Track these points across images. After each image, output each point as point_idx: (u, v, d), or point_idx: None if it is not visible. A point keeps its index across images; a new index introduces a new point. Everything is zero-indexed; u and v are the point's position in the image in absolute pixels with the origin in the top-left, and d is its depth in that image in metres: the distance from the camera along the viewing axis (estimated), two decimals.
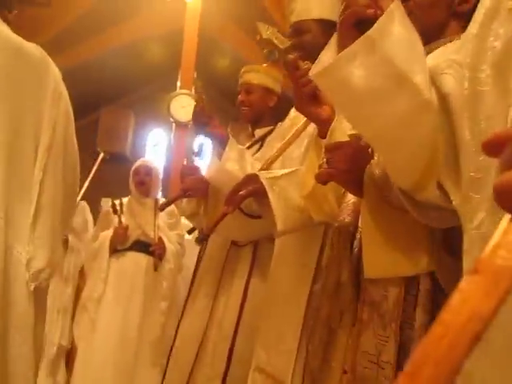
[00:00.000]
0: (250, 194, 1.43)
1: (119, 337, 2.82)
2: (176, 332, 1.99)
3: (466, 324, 0.30)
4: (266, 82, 2.09)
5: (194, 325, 1.88)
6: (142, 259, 2.95)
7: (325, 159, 1.03)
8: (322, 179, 1.04)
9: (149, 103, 7.86)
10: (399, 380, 0.30)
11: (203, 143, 2.34)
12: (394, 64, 0.74)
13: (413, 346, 0.91)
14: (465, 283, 0.31)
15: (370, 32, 0.74)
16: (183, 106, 5.61)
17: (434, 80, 0.77)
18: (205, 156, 2.29)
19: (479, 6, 0.69)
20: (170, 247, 3.01)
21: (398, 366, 0.92)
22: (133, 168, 3.19)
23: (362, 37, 0.75)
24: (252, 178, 1.45)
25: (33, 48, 1.37)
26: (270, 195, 1.36)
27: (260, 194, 1.41)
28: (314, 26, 1.60)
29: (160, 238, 2.96)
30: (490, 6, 0.66)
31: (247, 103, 2.08)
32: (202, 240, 1.82)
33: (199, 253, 2.09)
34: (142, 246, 2.96)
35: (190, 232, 2.06)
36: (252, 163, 1.78)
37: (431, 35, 1.02)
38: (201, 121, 2.05)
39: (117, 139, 7.06)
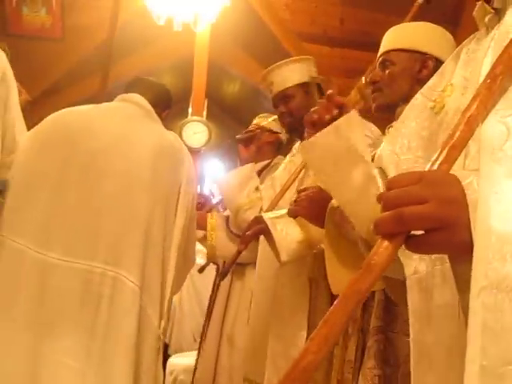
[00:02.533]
0: (256, 233, 1.71)
1: None
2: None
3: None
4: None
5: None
6: None
7: (294, 199, 1.40)
8: (292, 215, 1.47)
9: None
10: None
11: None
12: (352, 142, 0.98)
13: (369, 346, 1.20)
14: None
15: (337, 121, 1.01)
16: (195, 132, 5.71)
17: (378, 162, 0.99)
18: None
19: (409, 106, 0.94)
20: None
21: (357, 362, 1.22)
22: None
23: (333, 123, 1.00)
24: (258, 219, 1.71)
25: (172, 138, 1.65)
26: (273, 232, 1.60)
27: (265, 232, 1.66)
28: (296, 91, 1.87)
29: None
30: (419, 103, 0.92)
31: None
32: (224, 275, 1.99)
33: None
34: None
35: (200, 271, 2.23)
36: (249, 191, 2.11)
37: (399, 103, 1.37)
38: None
39: None
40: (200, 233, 2.22)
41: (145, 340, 1.43)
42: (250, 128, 2.33)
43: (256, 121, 2.48)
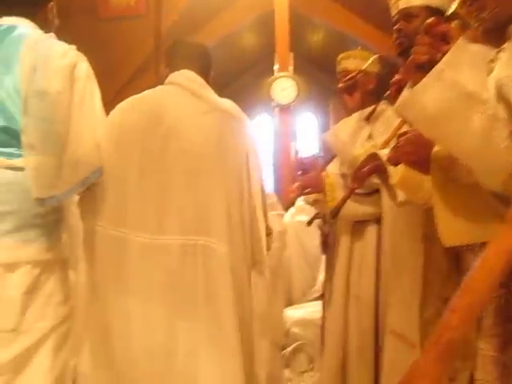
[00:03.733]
0: (372, 171, 1.68)
1: None
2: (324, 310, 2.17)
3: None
4: (362, 66, 2.12)
5: (336, 305, 2.02)
6: None
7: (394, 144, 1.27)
8: (392, 162, 1.31)
9: (250, 91, 7.91)
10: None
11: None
12: (461, 86, 0.88)
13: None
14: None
15: (438, 65, 0.90)
16: (283, 88, 5.64)
17: (502, 92, 0.87)
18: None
19: None
20: (275, 227, 3.08)
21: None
22: None
23: (432, 70, 0.90)
24: (373, 157, 1.67)
25: (231, 106, 1.67)
26: (389, 169, 1.56)
27: (380, 170, 1.64)
28: (421, 12, 1.68)
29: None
30: None
31: (348, 91, 2.13)
32: (335, 214, 1.87)
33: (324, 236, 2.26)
34: None
35: (309, 223, 2.16)
36: (362, 140, 2.01)
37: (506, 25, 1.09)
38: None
39: None
40: (310, 197, 2.17)
41: (240, 296, 1.55)
42: (352, 74, 2.13)
43: (345, 63, 2.18)
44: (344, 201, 1.80)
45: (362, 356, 1.89)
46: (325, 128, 8.13)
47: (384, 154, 1.57)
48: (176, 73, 1.66)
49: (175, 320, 1.48)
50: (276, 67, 5.67)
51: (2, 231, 1.37)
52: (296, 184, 3.67)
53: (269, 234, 1.81)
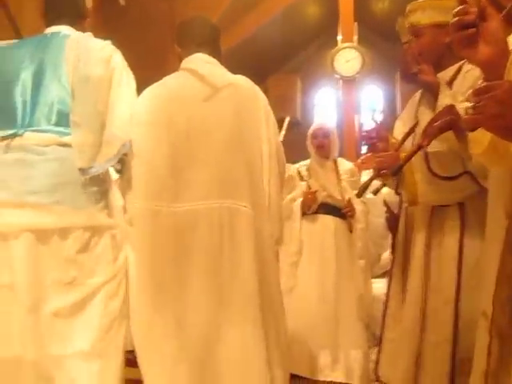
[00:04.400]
0: (446, 125, 1.45)
1: (317, 296, 2.91)
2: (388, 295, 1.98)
3: None
4: (435, 17, 1.79)
5: (413, 290, 1.80)
6: (330, 221, 3.01)
7: (471, 104, 0.96)
8: (469, 126, 1.00)
9: (313, 63, 6.72)
10: None
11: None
12: None
13: None
14: None
15: None
16: (347, 59, 5.50)
17: None
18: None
19: None
20: (358, 207, 3.02)
21: None
22: (310, 131, 3.21)
23: None
24: (449, 109, 1.46)
25: (243, 81, 1.83)
26: (470, 136, 1.30)
27: (456, 126, 1.42)
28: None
29: (349, 200, 2.99)
30: None
31: (418, 50, 1.84)
32: (397, 171, 1.69)
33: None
34: (328, 209, 3.03)
35: (375, 193, 2.01)
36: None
37: None
38: (410, 70, 1.86)
39: (287, 105, 7.19)
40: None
41: (263, 252, 1.71)
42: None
43: (413, 17, 1.85)
44: (408, 158, 1.60)
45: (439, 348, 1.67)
46: (390, 101, 7.86)
47: (463, 106, 1.39)
48: (190, 57, 1.85)
49: (206, 285, 1.65)
50: (340, 38, 5.51)
51: (58, 200, 1.57)
52: (362, 158, 3.57)
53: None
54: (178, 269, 1.67)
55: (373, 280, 3.36)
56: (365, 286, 2.99)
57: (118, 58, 1.72)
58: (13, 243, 1.54)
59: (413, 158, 1.65)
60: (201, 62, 1.83)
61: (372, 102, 8.14)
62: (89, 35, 1.76)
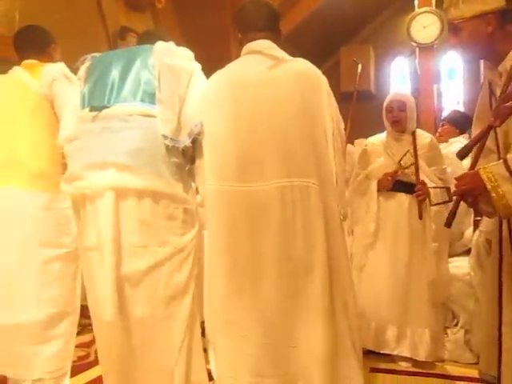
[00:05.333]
0: None
1: (388, 274, 2.88)
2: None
3: None
4: (474, 8, 1.68)
5: None
6: (404, 199, 2.92)
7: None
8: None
9: (386, 32, 6.27)
10: None
11: None
12: None
13: None
14: None
15: None
16: (424, 25, 5.21)
17: None
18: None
19: None
20: (433, 190, 2.86)
21: None
22: (385, 104, 3.05)
23: None
24: None
25: (304, 63, 1.87)
26: None
27: None
28: None
29: (422, 182, 2.84)
30: None
31: (460, 44, 1.75)
32: (465, 155, 1.64)
33: None
34: (403, 186, 2.91)
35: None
36: None
37: None
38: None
39: (359, 76, 6.98)
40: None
41: (332, 227, 1.78)
42: None
43: (455, 12, 1.71)
44: (478, 139, 1.56)
45: None
46: (472, 69, 7.37)
47: None
48: (251, 43, 1.90)
49: (280, 257, 1.72)
50: (416, 2, 5.21)
51: (139, 163, 1.69)
52: (439, 131, 3.34)
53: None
54: (253, 246, 1.73)
55: (455, 258, 3.21)
56: (438, 270, 2.88)
57: (195, 63, 1.89)
58: (98, 202, 1.68)
59: (491, 174, 1.52)
60: (261, 47, 1.88)
61: (452, 71, 7.68)
62: (59, 62, 2.17)
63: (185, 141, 1.77)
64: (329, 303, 1.72)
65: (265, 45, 1.89)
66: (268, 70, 1.82)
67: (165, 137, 1.72)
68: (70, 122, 1.85)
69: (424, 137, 3.06)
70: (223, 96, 1.83)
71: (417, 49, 5.33)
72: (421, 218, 2.82)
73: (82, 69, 1.93)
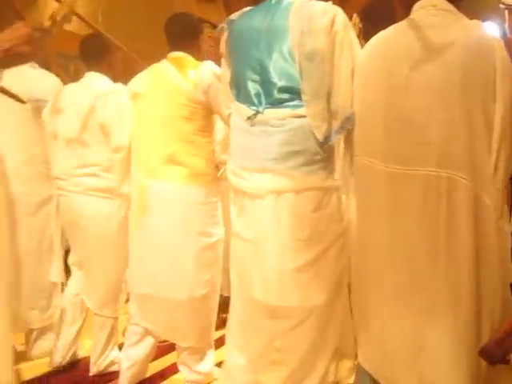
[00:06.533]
0: None
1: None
2: None
3: None
4: None
5: None
6: None
7: None
8: None
9: None
10: None
11: None
12: None
13: None
14: None
15: None
16: None
17: None
18: None
19: None
20: None
21: None
22: None
23: None
24: None
25: (475, 36, 1.60)
26: None
27: None
28: None
29: None
30: None
31: None
32: None
33: None
34: None
35: None
36: None
37: None
38: None
39: None
40: None
41: (484, 227, 1.56)
42: None
43: None
44: None
45: None
46: None
47: None
48: (420, 3, 1.64)
49: (415, 249, 1.60)
50: None
51: (295, 165, 1.79)
52: None
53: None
54: (389, 227, 1.65)
55: None
56: None
57: (340, 20, 1.76)
58: (258, 203, 1.83)
59: None
60: (427, 13, 1.64)
61: None
62: None
63: (337, 135, 1.81)
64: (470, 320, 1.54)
65: (430, 10, 1.64)
66: (425, 45, 1.60)
67: (320, 144, 1.78)
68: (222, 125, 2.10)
69: None
70: (375, 70, 1.69)
71: (506, 11, 4.94)
72: None
73: (222, 42, 1.98)
